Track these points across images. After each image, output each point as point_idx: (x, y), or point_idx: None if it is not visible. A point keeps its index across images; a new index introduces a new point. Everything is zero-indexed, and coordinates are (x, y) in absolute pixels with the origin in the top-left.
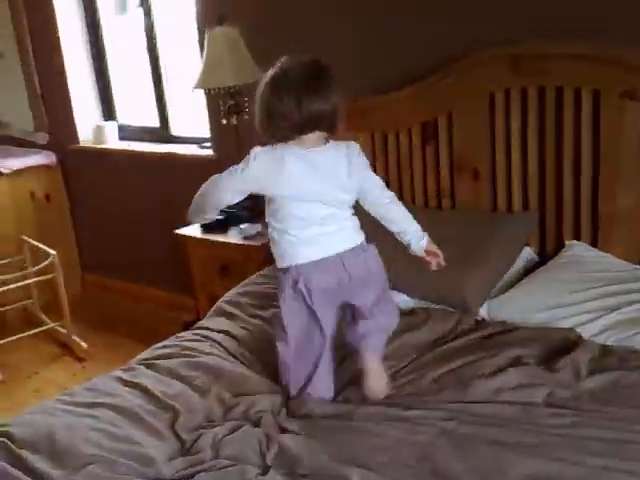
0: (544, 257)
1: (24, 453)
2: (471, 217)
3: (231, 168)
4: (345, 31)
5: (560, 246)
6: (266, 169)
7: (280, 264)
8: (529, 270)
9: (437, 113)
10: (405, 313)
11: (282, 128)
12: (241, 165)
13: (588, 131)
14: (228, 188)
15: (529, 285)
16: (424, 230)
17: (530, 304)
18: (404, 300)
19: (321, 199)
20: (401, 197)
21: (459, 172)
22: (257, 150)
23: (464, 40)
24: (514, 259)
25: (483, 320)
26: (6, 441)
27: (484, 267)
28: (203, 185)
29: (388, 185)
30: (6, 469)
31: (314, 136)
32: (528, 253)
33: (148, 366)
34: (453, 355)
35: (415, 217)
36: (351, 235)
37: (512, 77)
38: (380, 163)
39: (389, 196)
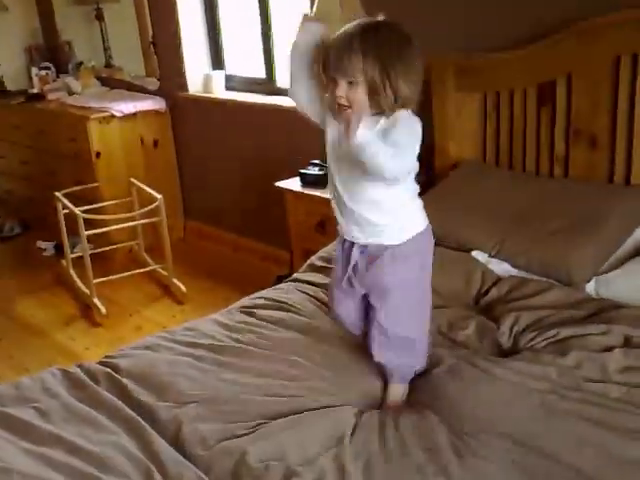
0: None
1: (128, 384)
2: (585, 187)
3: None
4: None
5: None
6: None
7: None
8: None
9: (556, 75)
10: (519, 281)
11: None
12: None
13: None
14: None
15: None
16: None
17: None
18: (507, 269)
19: None
20: (511, 162)
21: (575, 138)
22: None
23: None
24: (628, 235)
25: (590, 296)
26: (111, 372)
27: (594, 241)
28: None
29: (498, 149)
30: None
31: None
32: None
33: (245, 313)
34: (560, 326)
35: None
36: None
37: None
38: (491, 125)
39: None
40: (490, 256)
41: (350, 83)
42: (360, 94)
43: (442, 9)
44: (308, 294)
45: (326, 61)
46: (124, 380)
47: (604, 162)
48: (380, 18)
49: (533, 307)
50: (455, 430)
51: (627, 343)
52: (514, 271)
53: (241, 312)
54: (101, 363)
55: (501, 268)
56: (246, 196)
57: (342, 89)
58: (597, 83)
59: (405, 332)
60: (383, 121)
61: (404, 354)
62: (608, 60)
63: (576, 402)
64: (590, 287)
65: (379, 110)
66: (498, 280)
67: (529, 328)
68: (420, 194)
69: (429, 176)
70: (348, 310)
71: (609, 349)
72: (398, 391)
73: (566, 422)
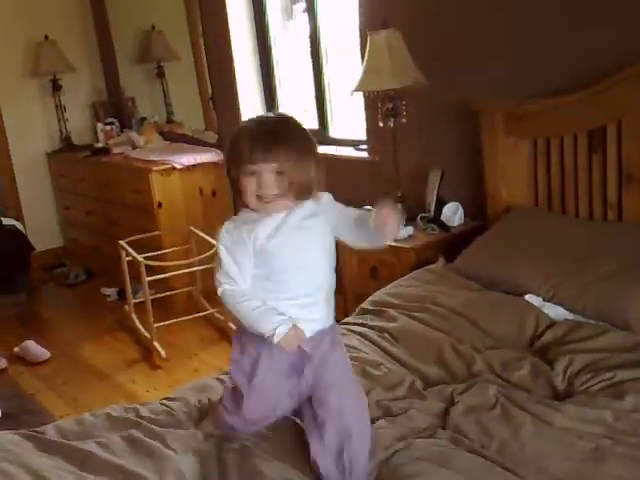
0: None
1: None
2: (638, 231)
3: None
4: (510, 33)
5: None
6: None
7: None
8: None
9: (606, 121)
10: (574, 324)
11: None
12: None
13: None
14: None
15: None
16: None
17: None
18: (562, 313)
19: None
20: (564, 207)
21: (628, 184)
22: None
23: (639, 45)
24: None
25: None
26: (170, 410)
27: None
28: None
29: (550, 195)
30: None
31: None
32: None
33: None
34: (616, 369)
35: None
36: None
37: None
38: (542, 170)
39: None
40: (544, 300)
41: (278, 173)
42: (286, 182)
43: (493, 56)
44: (360, 334)
45: (246, 156)
46: (183, 417)
47: None
48: (279, 113)
49: (588, 350)
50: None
51: None
52: (569, 315)
53: None
54: (162, 403)
55: (556, 312)
56: None
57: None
58: None
59: None
60: (308, 205)
61: None
62: None
63: (632, 447)
64: None
65: (302, 197)
66: (553, 324)
67: (584, 370)
68: (472, 238)
69: (482, 221)
70: None
71: None
72: None
73: (621, 467)
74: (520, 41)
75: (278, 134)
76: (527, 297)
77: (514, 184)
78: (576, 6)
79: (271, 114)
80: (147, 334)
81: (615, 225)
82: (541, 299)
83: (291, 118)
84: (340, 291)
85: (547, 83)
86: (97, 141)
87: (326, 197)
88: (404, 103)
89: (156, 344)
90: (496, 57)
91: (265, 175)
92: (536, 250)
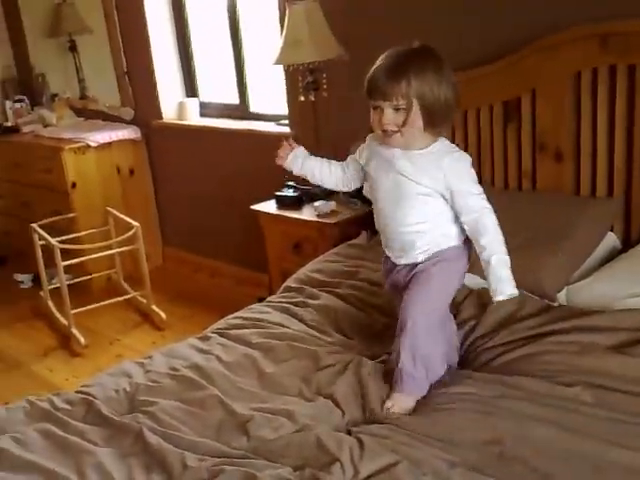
0: (628, 244)
1: (105, 410)
2: (552, 200)
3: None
4: (427, 7)
5: None
6: None
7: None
8: (612, 257)
9: (520, 91)
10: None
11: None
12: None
13: None
14: None
15: (610, 272)
16: None
17: (611, 291)
18: (479, 283)
19: None
20: (480, 177)
21: (541, 153)
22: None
23: (551, 17)
24: (596, 245)
25: (561, 306)
26: (88, 399)
27: (563, 252)
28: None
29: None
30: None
31: None
32: (612, 240)
33: (221, 335)
34: (527, 338)
35: (494, 198)
36: None
37: (600, 55)
38: (459, 141)
39: None
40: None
41: (397, 109)
42: (410, 117)
43: (414, 28)
44: (286, 312)
45: (372, 90)
46: (101, 406)
47: (570, 175)
48: (415, 44)
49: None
50: None
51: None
52: (485, 284)
53: (215, 334)
54: (78, 391)
55: (475, 282)
56: (223, 221)
57: (389, 115)
58: (560, 98)
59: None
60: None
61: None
62: (569, 75)
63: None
64: (562, 296)
65: (434, 129)
66: (470, 292)
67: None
68: None
69: None
70: None
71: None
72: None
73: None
74: (440, 14)
75: (395, 71)
76: None
77: None
78: None
79: (401, 48)
80: (64, 321)
81: (529, 194)
82: None
83: (415, 53)
84: (265, 270)
85: (465, 55)
86: (6, 120)
87: (450, 159)
88: (325, 76)
89: (74, 331)
90: (418, 30)
91: (386, 111)
92: None
